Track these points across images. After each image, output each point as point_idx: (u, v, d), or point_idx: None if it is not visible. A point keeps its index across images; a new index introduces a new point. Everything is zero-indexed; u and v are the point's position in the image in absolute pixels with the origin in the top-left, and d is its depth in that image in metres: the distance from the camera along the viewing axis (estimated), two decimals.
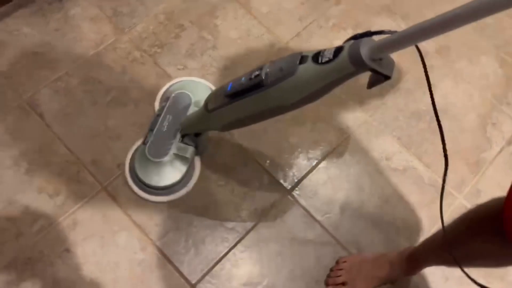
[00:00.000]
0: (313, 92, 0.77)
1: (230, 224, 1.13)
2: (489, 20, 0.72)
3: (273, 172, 1.20)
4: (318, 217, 1.15)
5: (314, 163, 1.22)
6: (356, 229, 1.15)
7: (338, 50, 0.71)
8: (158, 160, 1.10)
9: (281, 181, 1.19)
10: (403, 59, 1.35)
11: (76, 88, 1.25)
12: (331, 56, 0.71)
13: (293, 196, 1.17)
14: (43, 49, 1.29)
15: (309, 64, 0.74)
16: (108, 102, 1.23)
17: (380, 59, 0.69)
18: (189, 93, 1.18)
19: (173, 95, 1.17)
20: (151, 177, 1.10)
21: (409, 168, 1.24)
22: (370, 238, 1.14)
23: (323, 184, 1.20)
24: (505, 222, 0.64)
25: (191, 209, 1.13)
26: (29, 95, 1.23)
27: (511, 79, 1.41)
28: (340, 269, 1.07)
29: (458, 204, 1.21)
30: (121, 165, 1.15)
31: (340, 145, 1.25)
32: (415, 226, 1.17)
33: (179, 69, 1.30)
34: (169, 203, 1.13)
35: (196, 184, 1.15)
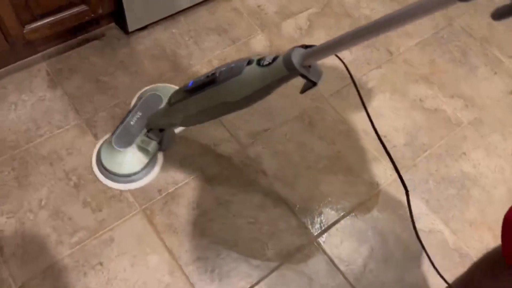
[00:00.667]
0: (256, 90, 0.88)
1: (255, 262, 1.17)
2: None
3: (301, 217, 1.24)
4: (341, 267, 1.18)
5: (342, 214, 1.26)
6: (377, 283, 1.17)
7: (277, 56, 0.85)
8: (122, 149, 1.21)
9: (309, 226, 1.23)
10: (438, 126, 1.41)
11: None
12: (270, 60, 0.85)
13: (318, 243, 1.21)
14: (106, 78, 1.43)
15: (253, 66, 0.88)
16: None
17: (309, 67, 0.83)
18: (160, 95, 1.30)
19: (146, 95, 1.31)
20: (113, 165, 1.22)
21: (435, 231, 1.26)
22: None
23: (349, 235, 1.23)
24: (503, 246, 0.66)
25: (221, 241, 1.18)
26: (88, 116, 1.35)
27: None
28: None
29: None
30: (161, 191, 1.23)
31: (369, 200, 1.29)
32: None
33: None
34: (201, 231, 1.18)
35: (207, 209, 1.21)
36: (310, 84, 0.83)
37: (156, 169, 1.26)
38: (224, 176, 1.29)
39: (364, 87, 1.52)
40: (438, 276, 1.20)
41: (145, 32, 1.55)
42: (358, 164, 1.35)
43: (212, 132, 1.36)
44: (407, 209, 1.29)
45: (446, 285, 1.14)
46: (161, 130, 1.23)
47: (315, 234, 1.22)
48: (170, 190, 1.24)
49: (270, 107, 1.43)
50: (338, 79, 1.52)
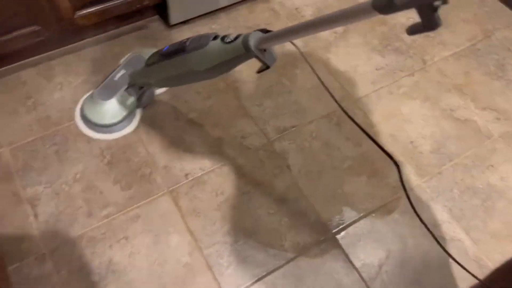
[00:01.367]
0: (216, 64, 0.96)
1: (272, 251, 1.20)
2: None
3: (322, 213, 1.27)
4: (357, 265, 1.19)
5: (362, 214, 1.28)
6: (392, 285, 1.17)
7: (238, 36, 0.91)
8: (102, 101, 1.30)
9: (328, 223, 1.25)
10: (467, 136, 1.40)
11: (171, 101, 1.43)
12: (232, 39, 0.92)
13: (336, 240, 1.23)
14: None
15: (217, 41, 0.95)
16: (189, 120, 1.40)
17: (264, 50, 0.90)
18: (144, 56, 1.36)
19: (131, 55, 1.40)
20: (94, 115, 1.31)
21: (455, 240, 1.25)
22: None
23: (368, 235, 1.24)
24: None
25: (241, 229, 1.22)
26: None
27: None
28: None
29: None
30: (188, 175, 1.29)
31: (390, 203, 1.30)
32: None
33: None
34: (222, 217, 1.23)
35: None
36: (264, 66, 0.90)
37: (134, 124, 1.35)
38: (249, 167, 1.33)
39: (394, 92, 1.53)
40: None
41: (186, 26, 1.62)
42: (382, 167, 1.36)
43: (241, 125, 1.40)
44: (429, 214, 1.29)
45: None
46: (140, 88, 1.32)
47: (334, 231, 1.24)
48: (196, 175, 1.29)
49: (299, 106, 1.46)
50: (369, 83, 1.54)
